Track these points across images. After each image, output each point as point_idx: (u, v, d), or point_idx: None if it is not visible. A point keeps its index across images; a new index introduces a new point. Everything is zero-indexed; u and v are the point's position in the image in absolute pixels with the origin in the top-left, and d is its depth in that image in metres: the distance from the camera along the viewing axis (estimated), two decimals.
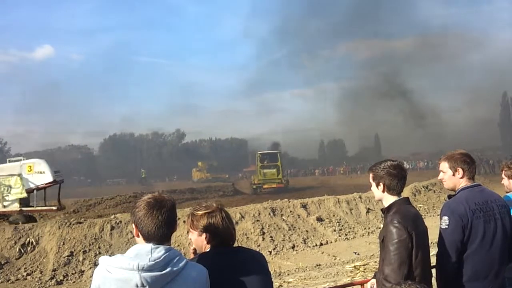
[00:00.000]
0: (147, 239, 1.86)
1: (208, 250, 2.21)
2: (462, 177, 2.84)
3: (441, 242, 2.73)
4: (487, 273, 2.68)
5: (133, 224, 1.91)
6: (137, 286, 1.73)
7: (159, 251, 1.81)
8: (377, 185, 2.70)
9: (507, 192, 3.47)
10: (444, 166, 2.91)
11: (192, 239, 2.28)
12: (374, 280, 2.80)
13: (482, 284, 2.67)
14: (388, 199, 2.68)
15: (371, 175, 2.75)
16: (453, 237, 2.67)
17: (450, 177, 2.88)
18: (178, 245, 10.49)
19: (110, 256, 1.86)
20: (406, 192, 3.62)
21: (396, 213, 2.56)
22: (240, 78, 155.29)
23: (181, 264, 1.83)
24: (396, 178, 2.65)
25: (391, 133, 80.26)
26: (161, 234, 1.86)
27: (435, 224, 3.17)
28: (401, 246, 2.44)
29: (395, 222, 2.49)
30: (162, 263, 1.78)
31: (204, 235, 2.19)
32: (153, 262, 1.76)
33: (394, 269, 2.41)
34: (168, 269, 1.78)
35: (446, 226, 2.70)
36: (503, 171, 3.54)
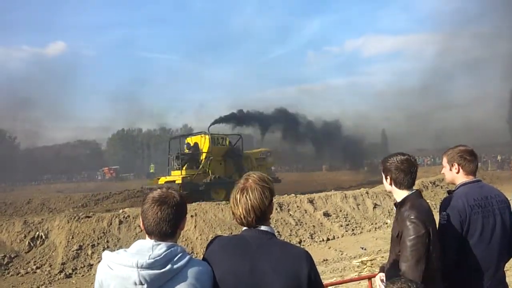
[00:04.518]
0: (148, 233, 1.86)
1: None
2: (458, 172, 2.88)
3: (440, 237, 2.71)
4: (487, 268, 2.68)
5: (140, 217, 1.91)
6: (135, 284, 1.71)
7: (160, 248, 1.78)
8: (385, 178, 2.70)
9: None
10: (444, 161, 2.98)
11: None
12: (382, 274, 2.80)
13: (481, 278, 2.67)
14: (399, 194, 2.64)
15: (382, 167, 2.75)
16: (452, 232, 2.68)
17: (448, 172, 2.95)
18: (185, 240, 10.56)
19: (116, 249, 1.86)
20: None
21: (412, 208, 2.52)
22: (247, 74, 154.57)
23: (182, 262, 1.78)
24: (403, 173, 2.61)
25: (397, 129, 79.52)
26: (159, 230, 1.82)
27: None
28: (418, 242, 2.39)
29: (413, 217, 2.45)
30: (162, 261, 1.74)
31: None
32: (152, 260, 1.73)
33: (411, 265, 2.36)
34: (168, 267, 1.74)
35: (445, 221, 2.71)
36: None
